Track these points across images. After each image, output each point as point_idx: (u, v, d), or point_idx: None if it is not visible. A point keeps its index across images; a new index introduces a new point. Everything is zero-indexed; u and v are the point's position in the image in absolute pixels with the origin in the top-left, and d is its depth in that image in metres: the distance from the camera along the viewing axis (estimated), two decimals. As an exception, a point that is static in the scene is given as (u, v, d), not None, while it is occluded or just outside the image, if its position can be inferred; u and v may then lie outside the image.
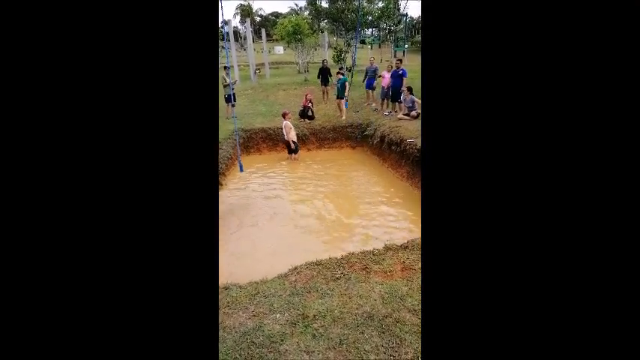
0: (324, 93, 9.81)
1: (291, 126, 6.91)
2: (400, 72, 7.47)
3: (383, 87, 8.18)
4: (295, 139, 7.02)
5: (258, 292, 2.65)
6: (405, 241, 3.41)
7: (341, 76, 8.16)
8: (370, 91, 9.13)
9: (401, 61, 8.29)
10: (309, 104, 8.16)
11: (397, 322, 2.28)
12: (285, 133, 6.93)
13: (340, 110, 8.26)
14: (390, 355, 2.03)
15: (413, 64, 13.55)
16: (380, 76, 8.14)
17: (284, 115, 6.97)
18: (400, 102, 7.66)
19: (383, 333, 2.19)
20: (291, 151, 7.08)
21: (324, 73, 9.72)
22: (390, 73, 7.71)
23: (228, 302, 2.55)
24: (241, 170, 5.39)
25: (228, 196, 5.55)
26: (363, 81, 9.22)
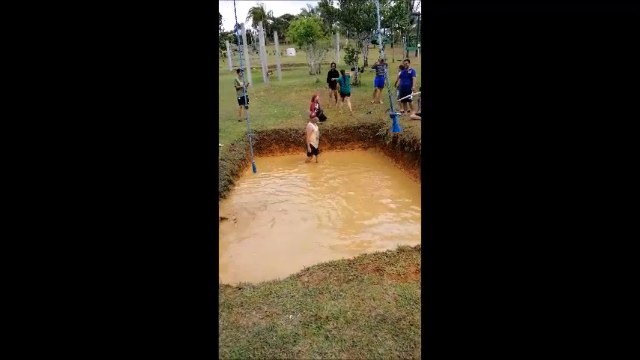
0: (331, 96, 9.79)
1: (312, 129, 6.82)
2: (409, 71, 7.39)
3: (395, 87, 8.13)
4: (313, 144, 6.90)
5: (271, 293, 2.66)
6: (419, 243, 3.37)
7: (339, 76, 8.63)
8: (378, 89, 9.23)
9: (409, 60, 8.24)
10: (317, 106, 8.14)
11: (411, 325, 2.25)
12: (307, 135, 6.93)
13: (348, 108, 8.35)
14: (404, 359, 2.01)
15: (425, 64, 13.38)
16: (399, 77, 8.23)
17: (311, 117, 7.16)
18: (411, 101, 7.59)
19: (397, 336, 2.17)
20: (309, 153, 7.08)
21: (332, 77, 9.73)
22: (399, 74, 7.66)
23: (242, 302, 2.57)
24: (254, 171, 5.47)
25: (241, 196, 5.61)
26: (372, 68, 9.41)
